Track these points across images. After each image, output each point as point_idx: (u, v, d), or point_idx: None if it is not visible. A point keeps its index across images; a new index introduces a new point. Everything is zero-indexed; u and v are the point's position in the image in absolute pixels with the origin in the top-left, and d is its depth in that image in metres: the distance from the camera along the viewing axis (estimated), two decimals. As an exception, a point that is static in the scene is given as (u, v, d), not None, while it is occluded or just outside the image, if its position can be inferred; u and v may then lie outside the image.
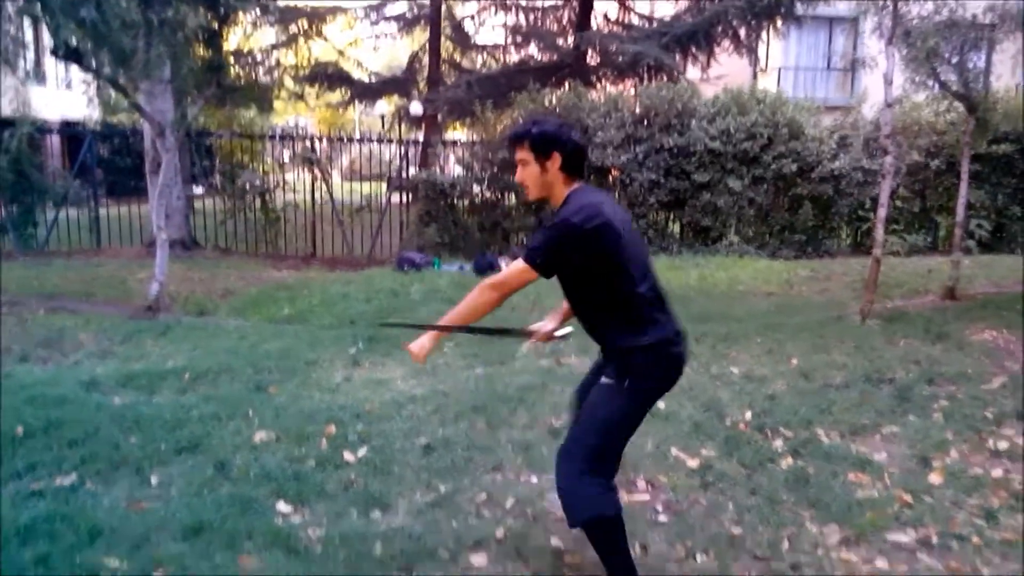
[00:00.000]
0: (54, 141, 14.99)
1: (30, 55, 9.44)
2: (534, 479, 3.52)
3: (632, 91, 12.70)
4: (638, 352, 2.49)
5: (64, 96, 17.96)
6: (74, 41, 6.46)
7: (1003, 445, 3.89)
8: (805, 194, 10.93)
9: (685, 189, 10.93)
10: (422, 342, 2.55)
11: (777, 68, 18.20)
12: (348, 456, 3.69)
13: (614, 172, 11.08)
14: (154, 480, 3.43)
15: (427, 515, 3.14)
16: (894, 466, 3.67)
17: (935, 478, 3.52)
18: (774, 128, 10.75)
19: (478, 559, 2.83)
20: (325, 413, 4.27)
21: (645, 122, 11.02)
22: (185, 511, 3.08)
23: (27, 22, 7.19)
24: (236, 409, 4.30)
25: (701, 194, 10.88)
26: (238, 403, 4.41)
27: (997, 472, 3.58)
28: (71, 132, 14.71)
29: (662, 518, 3.15)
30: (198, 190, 14.16)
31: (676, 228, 11.61)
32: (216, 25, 7.26)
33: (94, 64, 6.63)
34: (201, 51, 7.26)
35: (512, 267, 2.47)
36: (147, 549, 2.81)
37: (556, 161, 2.52)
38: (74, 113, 15.26)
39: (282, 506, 3.19)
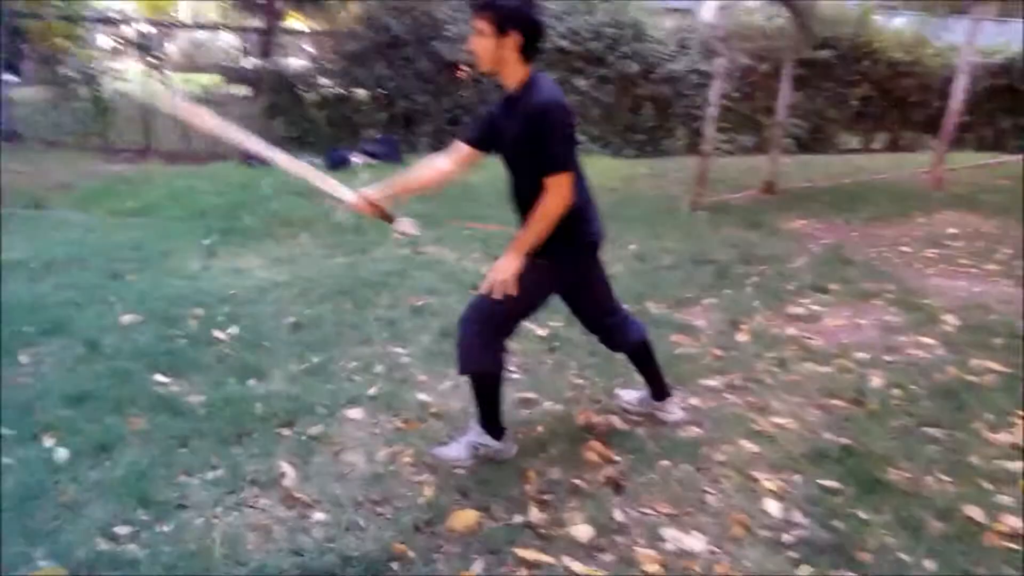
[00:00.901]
0: None
1: None
2: (399, 350, 3.83)
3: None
4: (578, 242, 2.70)
5: None
6: None
7: (799, 311, 4.58)
8: (647, 95, 11.52)
9: (534, 87, 11.21)
10: (508, 265, 2.58)
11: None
12: (219, 334, 3.86)
13: (460, 68, 11.18)
14: (24, 359, 3.48)
15: (303, 381, 3.41)
16: (710, 329, 4.27)
17: (742, 337, 4.14)
18: (619, 29, 11.17)
19: (353, 413, 3.14)
20: (189, 298, 4.37)
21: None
22: (65, 383, 3.20)
23: None
24: (95, 295, 4.32)
25: (549, 92, 11.21)
26: (96, 290, 4.42)
27: (791, 331, 4.24)
28: None
29: (516, 376, 3.57)
30: (12, 78, 13.00)
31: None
32: None
33: None
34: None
35: (559, 186, 2.50)
36: (33, 416, 2.93)
37: (512, 40, 2.51)
38: None
39: (160, 377, 3.35)
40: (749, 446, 3.01)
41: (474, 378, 2.79)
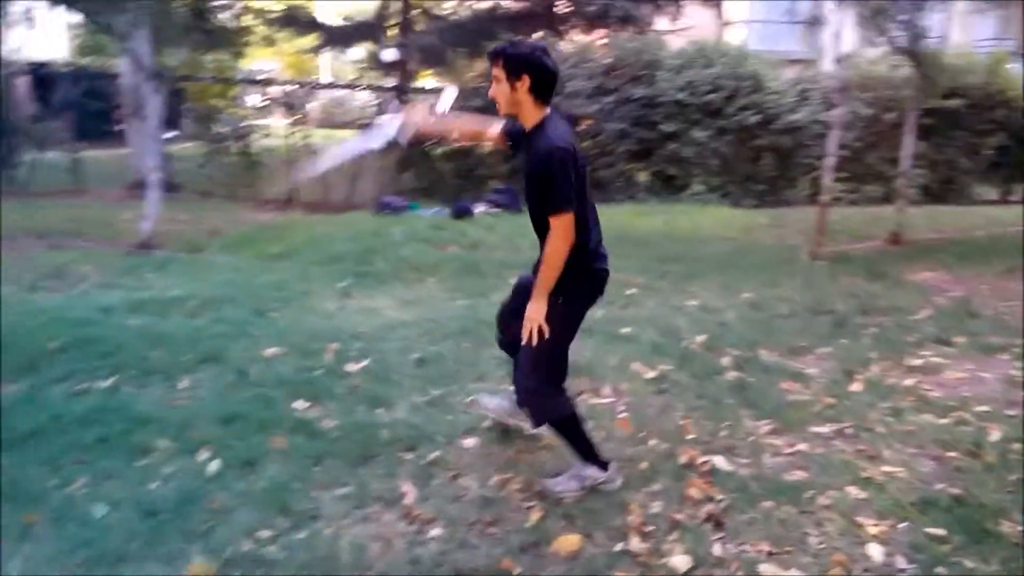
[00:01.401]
0: (25, 82, 15.02)
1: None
2: (513, 387, 4.04)
3: (602, 41, 13.06)
4: (588, 275, 2.90)
5: (29, 37, 17.86)
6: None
7: (918, 362, 4.51)
8: (766, 145, 11.48)
9: (652, 139, 11.42)
10: (538, 309, 2.79)
11: (743, 20, 18.60)
12: (351, 367, 4.20)
13: (584, 122, 11.52)
14: (182, 384, 3.92)
15: (424, 411, 3.67)
16: (823, 377, 4.27)
17: (856, 386, 4.12)
18: (737, 81, 11.24)
19: (469, 442, 3.38)
20: (325, 334, 4.76)
21: (614, 73, 11.44)
22: (217, 406, 3.59)
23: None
24: (244, 329, 4.77)
25: (667, 144, 11.38)
26: (245, 325, 4.88)
27: (909, 382, 4.19)
28: (41, 73, 14.67)
29: (623, 413, 3.72)
30: (172, 134, 14.33)
31: (643, 177, 12.12)
32: (203, -28, 7.52)
33: (88, 10, 6.88)
34: (188, -2, 7.52)
35: (561, 227, 2.71)
36: (189, 433, 3.32)
37: (525, 83, 2.74)
38: (39, 54, 15.23)
39: (299, 404, 3.70)
40: (856, 492, 3.03)
41: (553, 427, 3.01)
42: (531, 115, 2.83)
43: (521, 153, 2.97)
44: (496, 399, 3.51)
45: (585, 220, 2.83)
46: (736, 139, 11.48)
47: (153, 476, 3.01)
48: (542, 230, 2.83)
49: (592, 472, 3.01)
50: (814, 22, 9.40)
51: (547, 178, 2.72)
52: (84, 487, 2.92)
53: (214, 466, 3.08)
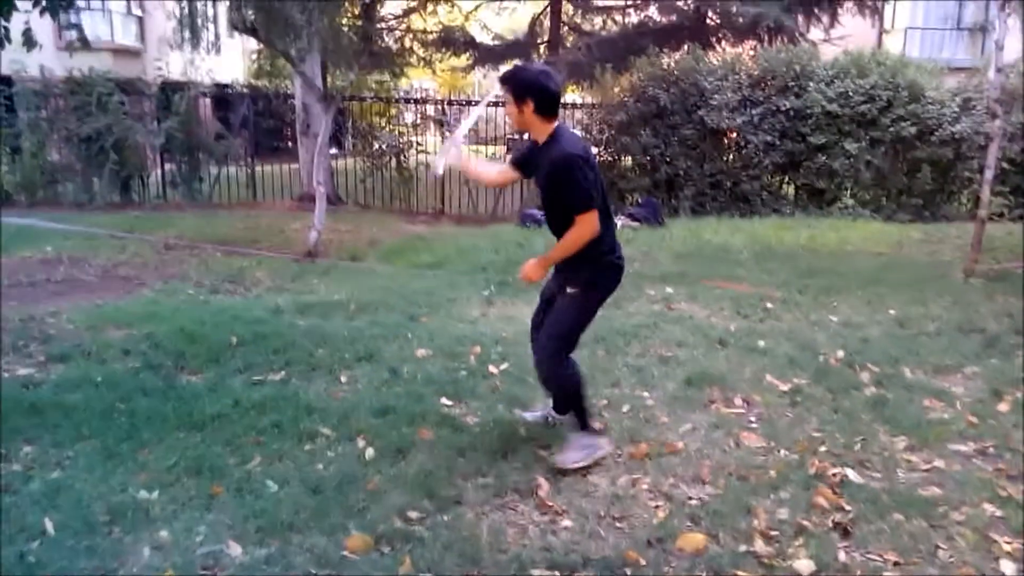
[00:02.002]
0: (206, 103, 16.51)
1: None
2: (645, 393, 4.20)
3: (750, 53, 12.90)
4: (606, 266, 3.25)
5: (211, 60, 19.61)
6: (251, 16, 7.46)
7: (1075, 385, 4.30)
8: (924, 157, 10.96)
9: (800, 151, 11.17)
10: (533, 267, 3.28)
11: (904, 28, 17.76)
12: (492, 369, 4.49)
13: (730, 134, 11.43)
14: (343, 379, 4.33)
15: (559, 413, 3.89)
16: (968, 396, 4.16)
17: (1003, 407, 4.00)
18: (894, 91, 10.82)
19: (601, 443, 3.56)
20: (469, 338, 5.08)
21: (762, 85, 11.29)
22: (372, 399, 3.96)
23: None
24: (397, 332, 5.17)
25: (816, 156, 11.09)
26: (398, 328, 5.28)
27: (1062, 405, 4.02)
28: (222, 95, 16.06)
29: (753, 423, 3.80)
30: (335, 150, 15.33)
31: (790, 190, 11.86)
32: None
33: (268, 37, 7.61)
34: (357, 22, 8.14)
35: (587, 222, 3.08)
36: (349, 423, 3.69)
37: (530, 106, 3.10)
38: (220, 76, 16.68)
39: (444, 401, 4.01)
40: (992, 509, 3.00)
41: (564, 397, 3.41)
42: (540, 130, 3.19)
43: (535, 166, 3.29)
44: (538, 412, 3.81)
45: (607, 217, 3.20)
46: (891, 151, 11.04)
47: (318, 458, 3.38)
48: (558, 226, 3.22)
49: (593, 440, 3.37)
50: (979, 28, 8.98)
51: (569, 182, 3.07)
52: (259, 465, 3.33)
53: (370, 452, 3.42)
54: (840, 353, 4.83)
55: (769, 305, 6.00)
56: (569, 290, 3.26)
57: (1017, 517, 2.93)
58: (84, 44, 4.09)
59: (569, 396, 3.38)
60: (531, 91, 3.10)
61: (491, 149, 14.32)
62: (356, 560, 2.65)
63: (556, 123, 3.19)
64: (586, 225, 3.09)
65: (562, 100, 3.28)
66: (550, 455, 3.40)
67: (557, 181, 3.11)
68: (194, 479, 3.17)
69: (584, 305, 3.30)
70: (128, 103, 12.40)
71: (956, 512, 2.98)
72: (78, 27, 4.14)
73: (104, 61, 12.00)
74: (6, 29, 3.97)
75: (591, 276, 3.24)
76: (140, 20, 17.60)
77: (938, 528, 2.88)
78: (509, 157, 3.50)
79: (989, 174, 6.64)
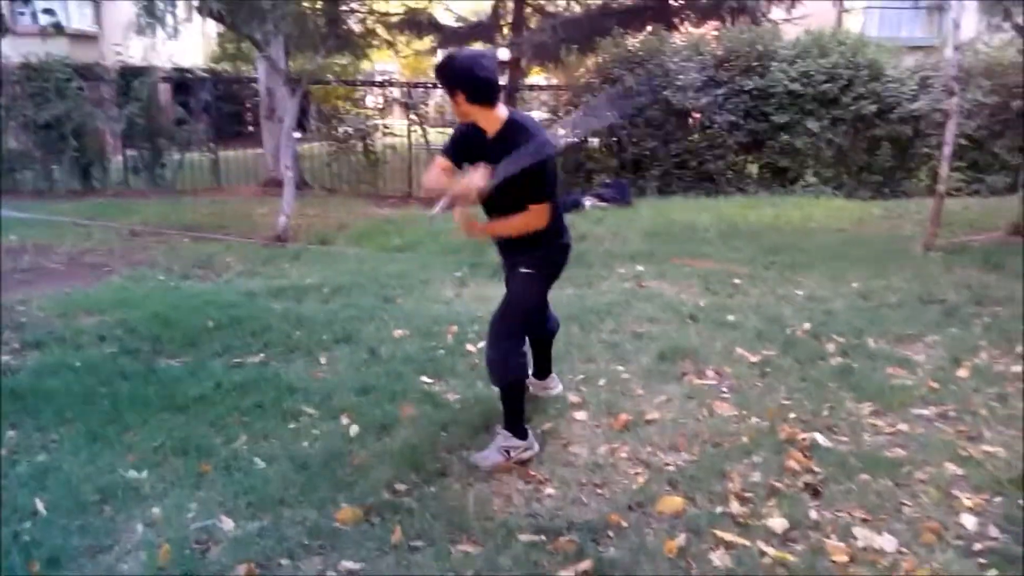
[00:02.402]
0: (166, 87, 16.21)
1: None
2: (620, 367, 4.30)
3: (714, 34, 13.04)
4: (557, 248, 3.26)
5: (171, 45, 19.27)
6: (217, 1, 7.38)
7: (1030, 351, 4.49)
8: (884, 135, 11.21)
9: (764, 130, 11.35)
10: (473, 227, 3.21)
11: (863, 7, 18.05)
12: (470, 348, 4.56)
13: (695, 114, 11.57)
14: (323, 360, 4.38)
15: (538, 388, 3.99)
16: (929, 364, 4.33)
17: (962, 372, 4.17)
18: (854, 69, 11.04)
19: (580, 415, 3.67)
20: (445, 318, 5.14)
21: (726, 65, 11.43)
22: (354, 379, 4.02)
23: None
24: (373, 313, 5.22)
25: (779, 135, 11.28)
26: (373, 309, 5.33)
27: (1017, 369, 4.20)
28: (183, 79, 15.80)
29: (725, 394, 3.92)
30: (300, 134, 15.20)
31: (754, 169, 12.04)
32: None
33: (231, 21, 7.54)
34: (320, 4, 8.08)
35: (540, 213, 3.05)
36: (331, 402, 3.75)
37: (461, 96, 2.96)
38: (180, 61, 16.42)
39: (424, 378, 4.09)
40: (953, 468, 3.15)
41: (505, 388, 3.26)
42: (487, 119, 3.04)
43: (481, 155, 2.99)
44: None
45: (555, 203, 3.17)
46: (852, 129, 11.25)
47: (303, 436, 3.44)
48: (503, 212, 3.11)
49: (514, 442, 3.23)
50: (936, 7, 9.19)
51: (539, 173, 2.98)
52: (245, 444, 3.37)
53: (354, 429, 3.49)
54: (806, 325, 4.97)
55: (737, 281, 6.14)
56: (522, 270, 3.24)
57: (977, 475, 3.08)
58: (59, 30, 4.06)
59: (510, 386, 3.24)
60: (459, 81, 2.96)
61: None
62: (348, 531, 2.72)
63: (503, 110, 3.03)
64: (539, 216, 3.07)
65: (498, 84, 3.06)
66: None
67: (530, 170, 2.91)
68: (182, 458, 3.21)
69: (538, 284, 3.31)
70: (87, 89, 12.18)
71: (920, 472, 3.12)
72: (51, 11, 4.10)
73: (61, 46, 11.73)
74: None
75: (545, 255, 3.24)
76: (96, 5, 17.21)
77: (903, 487, 3.03)
78: (441, 155, 3.22)
79: (947, 150, 6.84)
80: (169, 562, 2.52)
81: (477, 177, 2.92)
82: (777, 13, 14.97)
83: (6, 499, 2.87)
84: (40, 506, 2.83)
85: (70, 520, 2.75)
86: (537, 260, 3.23)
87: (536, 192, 3.05)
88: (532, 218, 3.08)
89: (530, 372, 3.49)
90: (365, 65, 20.90)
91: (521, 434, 3.27)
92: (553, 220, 3.15)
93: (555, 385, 3.88)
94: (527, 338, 3.41)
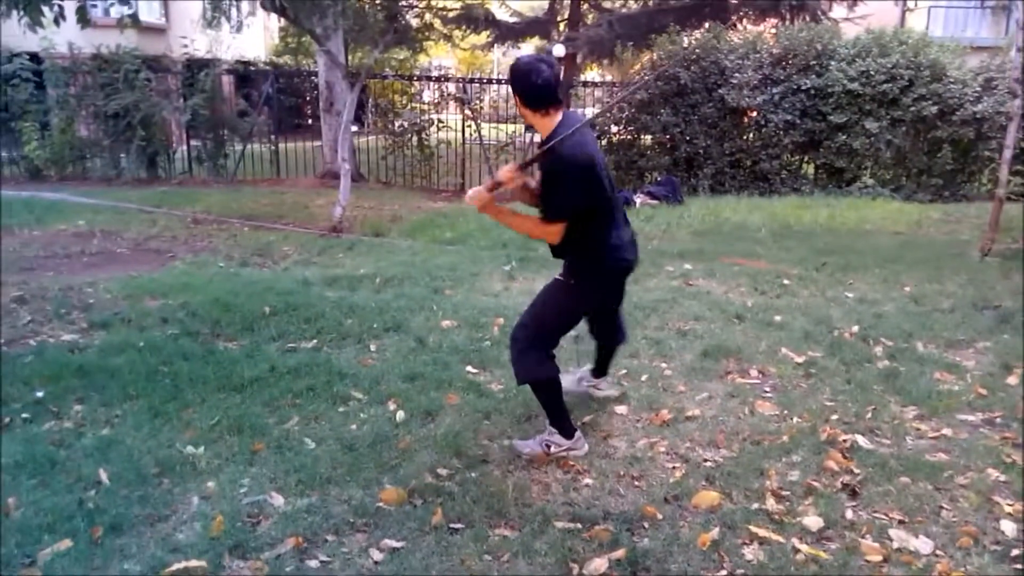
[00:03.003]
0: (230, 80, 16.65)
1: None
2: (663, 364, 4.35)
3: (771, 31, 12.88)
4: (603, 265, 3.15)
5: (234, 38, 19.77)
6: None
7: (1085, 360, 4.40)
8: (945, 137, 10.96)
9: (820, 130, 11.19)
10: (482, 197, 3.03)
11: (927, 6, 17.60)
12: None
13: (750, 113, 11.46)
14: (373, 347, 4.51)
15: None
16: (978, 370, 4.28)
17: (1012, 380, 4.11)
18: (915, 70, 10.81)
19: (621, 409, 3.72)
20: (492, 310, 5.24)
21: (783, 63, 11.30)
22: (402, 366, 4.15)
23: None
24: (422, 304, 5.34)
25: (837, 135, 11.11)
26: (423, 300, 5.45)
27: (1070, 377, 4.13)
28: (246, 72, 16.18)
29: (768, 393, 3.94)
30: (357, 127, 15.46)
31: (810, 169, 11.89)
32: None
33: (293, 15, 7.74)
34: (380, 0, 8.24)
35: (546, 229, 3.01)
36: (379, 387, 3.88)
37: (518, 100, 3.04)
38: (243, 54, 16.84)
39: (470, 368, 4.19)
40: (996, 474, 3.13)
41: (533, 387, 3.26)
42: (540, 124, 3.07)
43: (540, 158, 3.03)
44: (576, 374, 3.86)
45: (608, 220, 3.10)
46: (911, 130, 11.03)
47: (352, 420, 3.57)
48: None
49: (558, 439, 3.25)
50: (1002, 7, 8.96)
51: (553, 185, 2.98)
52: (297, 425, 3.52)
53: (400, 415, 3.60)
54: (855, 328, 4.94)
55: (786, 282, 6.11)
56: (558, 276, 3.22)
57: (1019, 481, 3.06)
58: (135, 21, 4.25)
59: (533, 386, 3.26)
60: (515, 85, 3.02)
61: (510, 128, 14.38)
62: (391, 511, 2.83)
63: (556, 116, 3.02)
64: (544, 231, 3.04)
65: (555, 89, 3.02)
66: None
67: (547, 179, 3.00)
68: (236, 436, 3.36)
69: (570, 295, 3.19)
70: (154, 80, 12.60)
71: (961, 476, 3.11)
72: (128, 2, 4.30)
73: (130, 38, 12.15)
74: (60, 7, 4.13)
75: (589, 269, 3.16)
76: (164, -2, 17.78)
77: (943, 491, 3.02)
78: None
79: (1008, 153, 6.69)
80: (222, 533, 2.66)
81: (509, 167, 2.99)
82: (838, 11, 14.72)
83: (70, 469, 3.06)
84: (103, 476, 3.01)
85: (131, 490, 2.92)
86: (575, 271, 3.17)
87: (548, 206, 3.02)
88: (539, 231, 3.06)
89: (568, 371, 3.54)
90: (422, 60, 21.17)
91: (567, 433, 3.27)
92: (604, 236, 3.10)
93: (606, 387, 3.85)
94: (554, 343, 3.29)
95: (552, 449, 3.26)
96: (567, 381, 3.55)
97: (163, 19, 17.83)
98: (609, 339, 3.73)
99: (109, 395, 3.77)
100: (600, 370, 3.85)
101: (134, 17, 4.21)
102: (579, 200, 3.00)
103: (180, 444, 3.28)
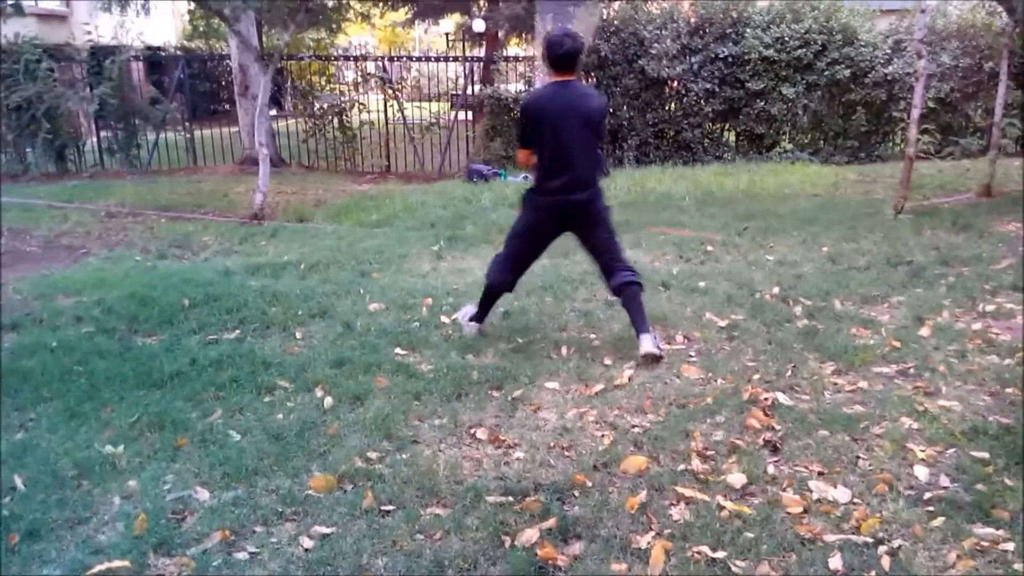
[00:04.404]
0: (139, 67, 16.05)
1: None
2: (592, 335, 4.39)
3: (688, 2, 13.02)
4: (530, 192, 4.12)
5: (141, 23, 18.98)
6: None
7: (990, 308, 4.61)
8: (858, 100, 11.30)
9: (739, 98, 11.41)
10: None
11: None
12: (444, 319, 4.63)
13: (671, 83, 11.59)
14: (298, 335, 4.43)
15: (510, 357, 4.06)
16: (892, 324, 4.44)
17: (924, 331, 4.28)
18: (828, 34, 11.10)
19: (551, 383, 3.74)
20: (421, 291, 5.20)
21: (700, 33, 11.45)
22: (328, 353, 4.08)
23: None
24: (349, 288, 5.27)
25: (755, 102, 11.35)
26: (349, 284, 5.38)
27: (978, 326, 4.31)
28: (155, 58, 15.60)
29: (693, 358, 4.02)
30: (275, 111, 15.10)
31: (731, 137, 12.11)
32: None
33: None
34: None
35: (516, 154, 4.33)
36: (306, 375, 3.81)
37: (546, 63, 4.00)
38: (152, 39, 16.23)
39: (398, 350, 4.15)
40: (909, 423, 3.25)
41: (488, 286, 4.26)
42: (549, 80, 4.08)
43: None
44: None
45: (543, 163, 3.98)
46: (827, 94, 11.34)
47: (278, 409, 3.50)
48: None
49: (468, 311, 4.40)
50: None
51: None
52: (220, 417, 3.43)
53: (328, 401, 3.55)
54: (775, 289, 5.07)
55: (709, 248, 6.23)
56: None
57: (932, 428, 3.19)
58: (18, 11, 4.02)
59: (490, 291, 4.27)
60: (544, 52, 3.98)
61: (434, 106, 14.26)
62: (320, 498, 2.79)
63: (557, 78, 3.97)
64: (517, 156, 4.27)
65: (571, 59, 3.93)
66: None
67: None
68: (158, 433, 3.27)
69: (518, 217, 4.26)
70: (57, 69, 12.05)
71: (876, 427, 3.23)
72: (13, -10, 4.07)
73: (29, 26, 11.60)
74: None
75: (524, 197, 4.18)
76: (64, -18, 16.99)
77: (859, 441, 3.13)
78: None
79: (915, 113, 6.92)
80: (145, 531, 2.58)
81: None
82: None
83: (-17, 476, 2.93)
84: (19, 482, 2.89)
85: (48, 495, 2.81)
86: (525, 195, 4.17)
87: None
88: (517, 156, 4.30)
89: (503, 281, 4.27)
90: (341, 39, 20.76)
91: (477, 318, 4.35)
92: (536, 173, 4.06)
93: (644, 344, 3.94)
94: (516, 262, 4.24)
95: (459, 315, 4.44)
96: (647, 344, 3.95)
97: (64, 5, 17.06)
98: (616, 291, 4.14)
99: (22, 399, 3.62)
100: (636, 329, 4.04)
101: (16, 6, 3.98)
102: (520, 135, 4.17)
103: (99, 444, 3.16)
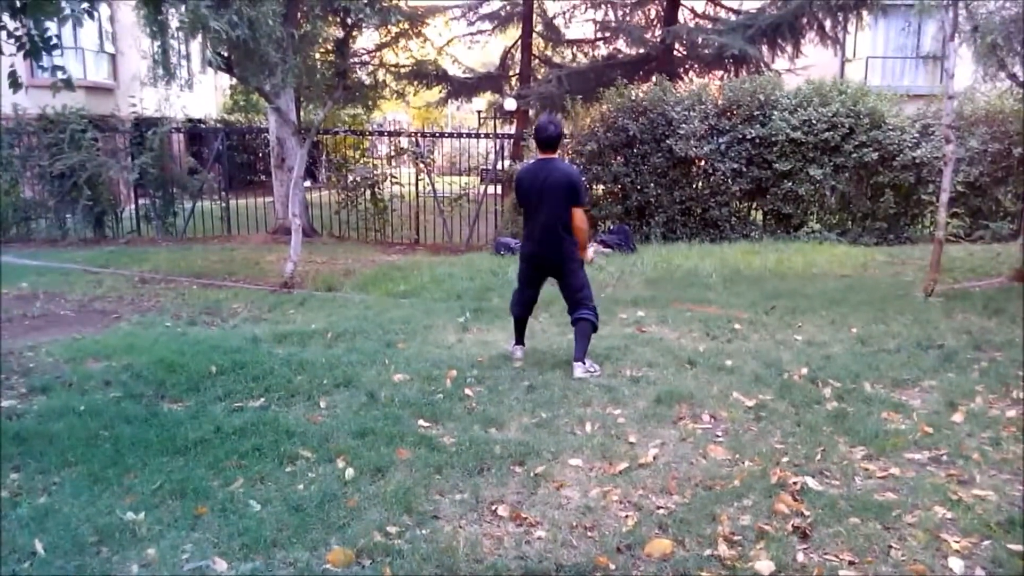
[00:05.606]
0: (179, 138, 16.56)
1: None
2: (616, 411, 4.34)
3: (716, 83, 13.27)
4: (519, 247, 5.45)
5: (184, 97, 19.67)
6: (225, 54, 7.60)
7: (1025, 395, 4.51)
8: (887, 182, 11.32)
9: (767, 178, 11.48)
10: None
11: (865, 57, 18.30)
12: (468, 391, 4.62)
13: (698, 162, 11.72)
14: (323, 404, 4.44)
15: (533, 431, 4.03)
16: (924, 408, 4.35)
17: (957, 417, 4.18)
18: (855, 118, 11.19)
19: (574, 460, 3.69)
20: (446, 362, 5.21)
21: (728, 114, 11.62)
22: (351, 423, 4.07)
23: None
24: (374, 358, 5.29)
25: (783, 182, 11.41)
26: (375, 354, 5.40)
27: (1012, 413, 4.21)
28: (196, 130, 16.15)
29: (720, 437, 3.95)
30: (309, 182, 15.46)
31: (758, 216, 12.15)
32: (343, 34, 8.32)
33: (241, 74, 7.76)
34: (330, 58, 8.32)
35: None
36: (328, 445, 3.80)
37: (535, 142, 5.12)
38: (194, 112, 16.79)
39: (422, 422, 4.13)
40: (943, 512, 3.16)
41: (513, 318, 5.40)
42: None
43: None
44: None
45: (525, 221, 5.17)
46: (854, 176, 11.38)
47: (299, 479, 3.48)
48: None
49: (511, 346, 5.45)
50: (936, 57, 9.34)
51: None
52: (242, 486, 3.42)
53: (349, 472, 3.53)
54: (804, 370, 5.01)
55: (736, 326, 6.19)
56: None
57: (967, 518, 3.09)
58: (68, 85, 4.21)
59: (515, 321, 5.40)
60: (534, 133, 5.13)
61: (464, 179, 14.51)
62: (338, 573, 2.75)
63: (552, 155, 5.07)
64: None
65: (552, 140, 5.04)
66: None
67: None
68: (179, 501, 3.26)
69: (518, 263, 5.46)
70: (101, 139, 12.49)
71: (909, 515, 3.13)
72: (62, 68, 4.26)
73: (77, 98, 12.07)
74: (13, 72, 4.10)
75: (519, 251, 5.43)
76: (112, 57, 17.70)
77: (892, 530, 3.04)
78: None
79: (944, 196, 6.93)
80: (161, 602, 2.55)
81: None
82: (780, 63, 15.25)
83: (6, 540, 2.92)
84: (39, 547, 2.88)
85: (67, 560, 2.80)
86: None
87: None
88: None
89: (518, 314, 5.40)
90: (376, 115, 21.33)
91: (518, 341, 5.45)
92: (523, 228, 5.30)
93: (575, 371, 4.97)
94: (520, 296, 5.38)
95: (579, 371, 4.96)
96: (578, 371, 4.99)
97: (111, 79, 17.76)
98: (573, 322, 5.18)
99: (47, 462, 3.63)
100: (574, 353, 5.10)
101: (67, 82, 4.16)
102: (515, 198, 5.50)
103: (120, 510, 3.15)
